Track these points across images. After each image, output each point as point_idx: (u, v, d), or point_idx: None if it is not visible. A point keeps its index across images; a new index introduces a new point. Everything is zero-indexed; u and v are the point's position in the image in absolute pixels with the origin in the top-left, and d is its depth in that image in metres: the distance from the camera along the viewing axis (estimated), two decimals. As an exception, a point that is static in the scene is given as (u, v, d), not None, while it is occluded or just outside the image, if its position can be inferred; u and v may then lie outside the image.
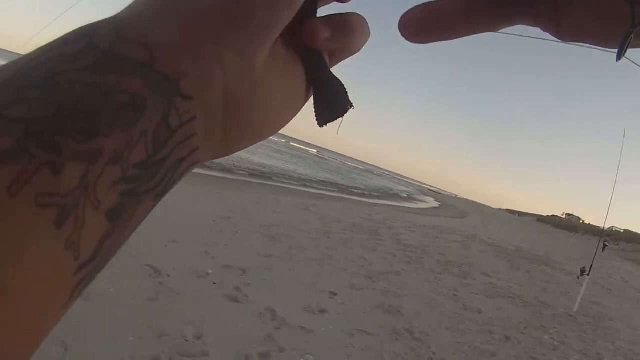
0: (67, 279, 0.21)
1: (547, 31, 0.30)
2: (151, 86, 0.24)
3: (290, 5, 0.28)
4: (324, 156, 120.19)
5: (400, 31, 0.32)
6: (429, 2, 0.31)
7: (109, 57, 0.23)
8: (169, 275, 4.52)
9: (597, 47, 0.29)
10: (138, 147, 0.23)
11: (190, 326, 3.69)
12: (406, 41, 0.32)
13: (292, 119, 0.35)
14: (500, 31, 0.32)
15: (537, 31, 0.31)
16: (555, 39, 0.30)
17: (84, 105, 0.21)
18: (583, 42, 0.29)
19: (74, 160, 0.20)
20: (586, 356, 5.92)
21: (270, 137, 0.35)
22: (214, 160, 0.31)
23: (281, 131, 0.36)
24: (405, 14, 0.32)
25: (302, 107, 0.35)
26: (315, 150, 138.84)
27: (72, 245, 0.21)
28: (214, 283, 4.73)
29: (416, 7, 0.31)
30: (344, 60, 0.37)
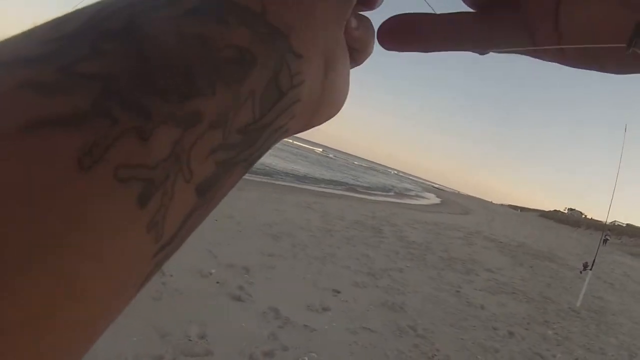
0: (144, 264, 0.18)
1: (550, 59, 0.30)
2: (262, 39, 0.21)
3: None
4: (328, 154, 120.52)
5: (377, 36, 0.32)
6: (410, 13, 0.32)
7: (212, 4, 0.20)
8: (172, 275, 4.52)
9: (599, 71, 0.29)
10: (244, 108, 0.20)
11: (194, 325, 3.69)
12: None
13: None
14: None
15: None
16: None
17: (179, 59, 0.18)
18: (588, 69, 0.29)
19: (166, 125, 0.17)
20: (590, 351, 5.92)
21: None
22: None
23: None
24: (386, 20, 0.32)
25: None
26: (320, 149, 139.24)
27: (155, 226, 0.17)
28: (217, 282, 4.73)
29: (397, 15, 0.32)
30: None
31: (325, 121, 0.31)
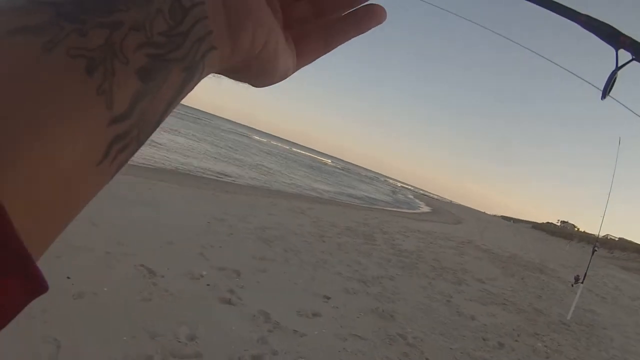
0: (99, 127, 0.23)
1: None
2: None
3: None
4: (337, 165, 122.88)
5: None
6: None
7: None
8: (163, 276, 4.51)
9: None
10: (157, 20, 0.25)
11: (184, 327, 3.68)
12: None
13: (284, 62, 0.37)
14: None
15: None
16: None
17: None
18: None
19: (98, 27, 0.23)
20: (579, 364, 5.93)
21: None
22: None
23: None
24: None
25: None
26: (330, 161, 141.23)
27: (104, 92, 0.23)
28: (208, 285, 4.72)
29: None
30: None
31: (258, 73, 0.36)
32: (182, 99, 0.30)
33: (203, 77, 0.31)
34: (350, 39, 0.41)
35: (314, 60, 0.42)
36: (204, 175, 15.51)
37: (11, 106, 0.20)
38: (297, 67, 0.41)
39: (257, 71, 0.36)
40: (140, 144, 0.27)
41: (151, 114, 0.26)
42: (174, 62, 0.26)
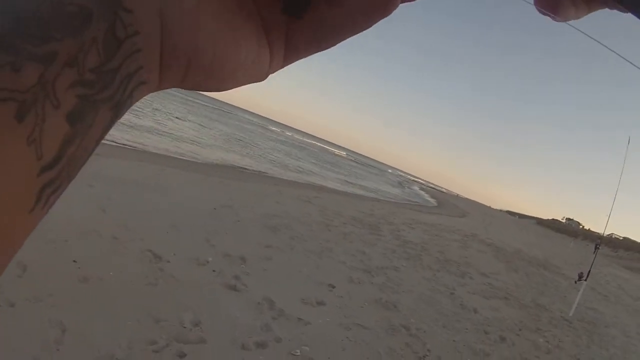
0: (30, 178, 0.22)
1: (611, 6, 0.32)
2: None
3: None
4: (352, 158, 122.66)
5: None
6: None
7: None
8: (169, 262, 4.54)
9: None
10: (91, 52, 0.24)
11: (189, 313, 3.71)
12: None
13: (242, 72, 0.34)
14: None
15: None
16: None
17: (38, 14, 0.23)
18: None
19: (32, 61, 0.22)
20: (580, 361, 5.95)
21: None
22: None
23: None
24: None
25: (256, 59, 0.34)
26: (344, 153, 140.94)
27: (33, 142, 0.22)
28: (214, 271, 4.74)
29: None
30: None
31: (206, 86, 0.33)
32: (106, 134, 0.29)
33: (130, 108, 0.30)
34: (349, 35, 0.35)
35: (305, 57, 0.37)
36: (212, 162, 15.52)
37: None
38: (283, 64, 0.37)
39: (198, 82, 0.33)
40: (70, 180, 0.26)
41: (80, 154, 0.26)
42: (102, 102, 0.26)
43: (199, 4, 0.30)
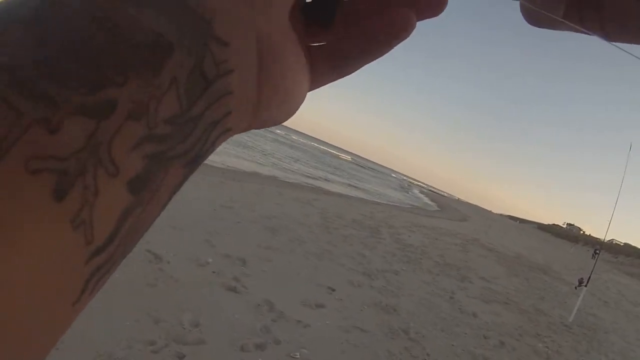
0: (77, 268, 0.17)
1: (594, 33, 0.29)
2: (180, 24, 0.19)
3: None
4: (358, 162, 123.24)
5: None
6: None
7: None
8: (169, 262, 4.53)
9: None
10: (168, 97, 0.19)
11: (188, 314, 3.70)
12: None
13: (304, 98, 0.30)
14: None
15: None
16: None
17: (88, 46, 0.17)
18: (631, 42, 0.29)
19: (77, 116, 0.16)
20: (579, 367, 5.94)
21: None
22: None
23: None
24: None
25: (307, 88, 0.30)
26: (349, 157, 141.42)
27: (81, 224, 0.16)
28: (214, 272, 4.74)
29: None
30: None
31: (274, 122, 0.29)
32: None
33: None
34: (369, 58, 0.30)
35: (324, 85, 0.32)
36: (212, 165, 15.53)
37: None
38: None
39: (274, 116, 0.28)
40: (125, 256, 0.21)
41: (139, 226, 0.20)
42: (176, 159, 0.20)
43: (288, 28, 0.25)
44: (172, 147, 0.19)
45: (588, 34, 0.31)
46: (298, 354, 3.71)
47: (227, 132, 0.23)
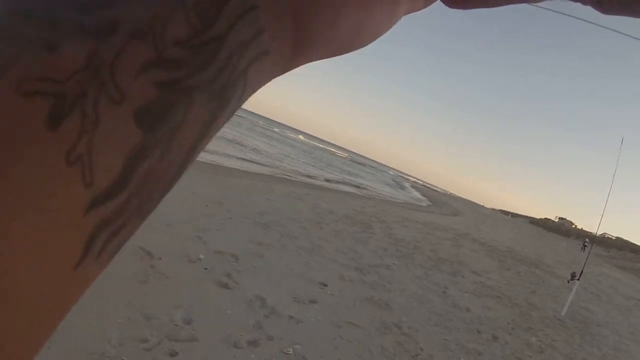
0: (73, 217, 0.14)
1: (589, 4, 0.27)
2: None
3: None
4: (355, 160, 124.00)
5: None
6: None
7: None
8: (160, 259, 4.50)
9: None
10: (176, 16, 0.16)
11: (180, 310, 3.68)
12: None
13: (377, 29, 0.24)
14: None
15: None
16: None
17: None
18: (625, 14, 0.26)
19: (77, 34, 0.14)
20: (572, 360, 5.96)
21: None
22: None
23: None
24: None
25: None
26: (346, 154, 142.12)
27: (78, 159, 0.14)
28: (205, 268, 4.71)
29: None
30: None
31: (346, 46, 0.23)
32: (210, 139, 0.19)
33: (246, 100, 0.20)
34: None
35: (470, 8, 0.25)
36: (204, 159, 15.49)
37: None
38: (425, 3, 0.26)
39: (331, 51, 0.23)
40: (144, 215, 0.18)
41: (160, 174, 0.17)
42: (197, 90, 0.17)
43: None
44: (190, 74, 0.16)
45: (583, 3, 0.29)
46: (291, 350, 3.70)
47: (265, 57, 0.19)
